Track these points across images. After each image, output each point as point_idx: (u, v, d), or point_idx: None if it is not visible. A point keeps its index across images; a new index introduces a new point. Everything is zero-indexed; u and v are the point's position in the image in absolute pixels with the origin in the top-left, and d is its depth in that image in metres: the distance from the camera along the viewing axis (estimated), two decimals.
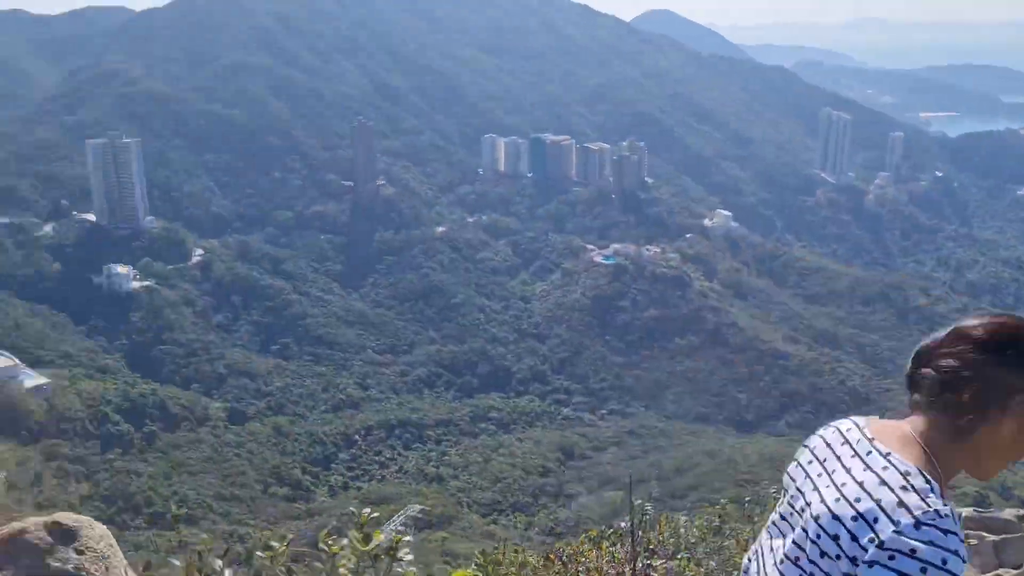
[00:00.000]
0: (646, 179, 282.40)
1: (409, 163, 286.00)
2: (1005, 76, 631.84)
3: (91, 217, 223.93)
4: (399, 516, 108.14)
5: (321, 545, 4.98)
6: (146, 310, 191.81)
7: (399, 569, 5.11)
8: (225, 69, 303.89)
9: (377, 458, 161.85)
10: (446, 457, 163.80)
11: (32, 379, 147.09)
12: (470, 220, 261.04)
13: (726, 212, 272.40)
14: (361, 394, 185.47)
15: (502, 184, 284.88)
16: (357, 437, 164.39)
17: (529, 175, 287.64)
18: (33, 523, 5.28)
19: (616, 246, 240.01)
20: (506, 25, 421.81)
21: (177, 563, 4.83)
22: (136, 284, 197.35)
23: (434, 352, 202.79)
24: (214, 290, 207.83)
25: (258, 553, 4.83)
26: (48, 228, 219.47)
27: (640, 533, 11.26)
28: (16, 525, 5.38)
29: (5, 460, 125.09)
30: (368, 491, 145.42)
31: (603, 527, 11.62)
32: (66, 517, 5.63)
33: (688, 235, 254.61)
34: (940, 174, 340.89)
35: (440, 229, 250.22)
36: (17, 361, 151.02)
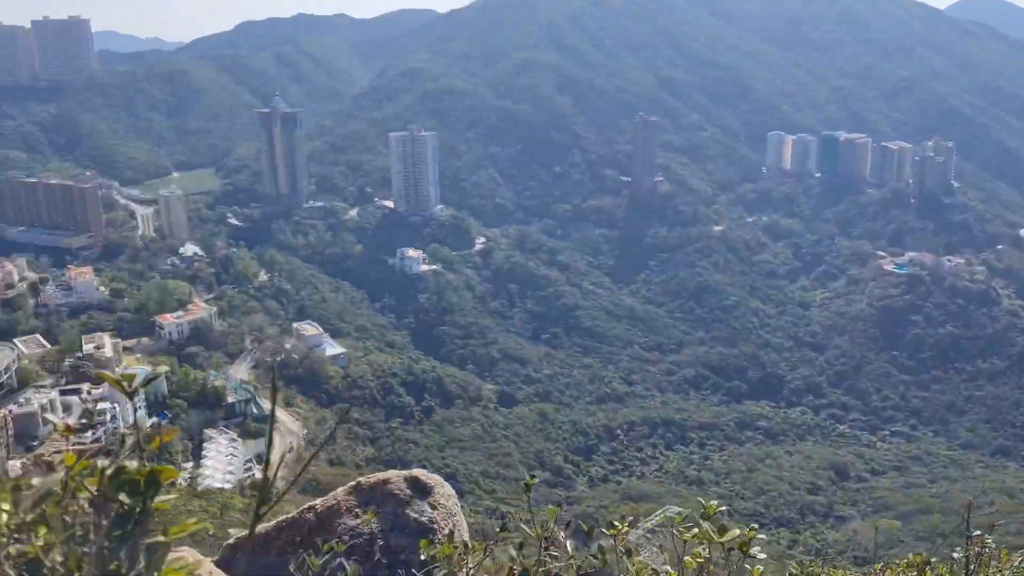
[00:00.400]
0: (952, 182, 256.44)
1: (688, 159, 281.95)
2: None
3: (389, 203, 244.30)
4: (656, 515, 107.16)
5: (673, 530, 4.55)
6: (431, 292, 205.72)
7: (747, 565, 4.56)
8: (516, 66, 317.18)
9: (638, 455, 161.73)
10: (708, 462, 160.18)
11: (333, 348, 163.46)
12: (749, 220, 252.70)
13: None
14: (626, 389, 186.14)
15: (786, 183, 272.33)
16: (619, 432, 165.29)
17: (817, 175, 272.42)
18: (395, 475, 5.61)
19: (911, 254, 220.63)
20: (801, 16, 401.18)
21: (527, 529, 4.76)
22: (424, 267, 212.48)
23: (702, 353, 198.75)
24: (493, 277, 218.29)
25: (601, 530, 4.57)
26: (353, 212, 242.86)
27: (974, 567, 9.77)
28: (380, 475, 5.85)
29: (307, 418, 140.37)
30: (627, 487, 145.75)
31: (924, 553, 10.17)
32: (422, 474, 5.96)
33: (999, 246, 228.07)
34: None
35: (717, 228, 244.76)
36: (321, 330, 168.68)
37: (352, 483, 5.52)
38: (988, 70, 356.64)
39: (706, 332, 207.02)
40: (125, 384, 3.35)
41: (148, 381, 3.43)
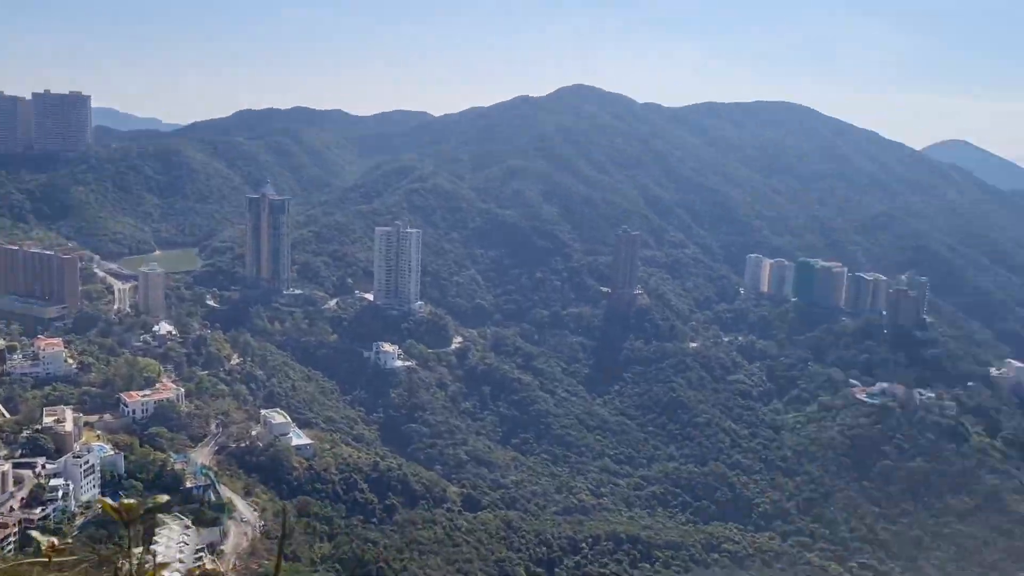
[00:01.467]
0: (924, 317, 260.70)
1: (668, 275, 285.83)
2: None
3: (369, 296, 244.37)
4: None
5: None
6: (404, 388, 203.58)
7: None
8: (504, 172, 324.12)
9: (602, 571, 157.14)
10: None
11: (299, 438, 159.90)
12: (725, 339, 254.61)
13: (1020, 363, 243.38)
14: (593, 501, 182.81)
15: (763, 306, 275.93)
16: (584, 545, 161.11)
17: (793, 299, 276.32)
18: None
19: (883, 385, 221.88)
20: (785, 147, 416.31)
21: None
22: (399, 363, 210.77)
23: (672, 470, 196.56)
24: (467, 377, 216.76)
25: None
26: (332, 303, 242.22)
27: None
28: None
29: (264, 509, 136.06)
30: None
31: None
32: None
33: (970, 383, 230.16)
34: None
35: (693, 344, 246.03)
36: (289, 419, 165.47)
37: None
38: (964, 213, 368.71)
39: (677, 448, 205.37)
40: (123, 513, 3.62)
41: (149, 511, 3.65)
